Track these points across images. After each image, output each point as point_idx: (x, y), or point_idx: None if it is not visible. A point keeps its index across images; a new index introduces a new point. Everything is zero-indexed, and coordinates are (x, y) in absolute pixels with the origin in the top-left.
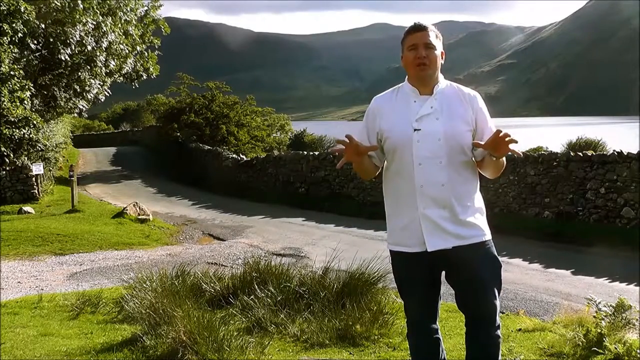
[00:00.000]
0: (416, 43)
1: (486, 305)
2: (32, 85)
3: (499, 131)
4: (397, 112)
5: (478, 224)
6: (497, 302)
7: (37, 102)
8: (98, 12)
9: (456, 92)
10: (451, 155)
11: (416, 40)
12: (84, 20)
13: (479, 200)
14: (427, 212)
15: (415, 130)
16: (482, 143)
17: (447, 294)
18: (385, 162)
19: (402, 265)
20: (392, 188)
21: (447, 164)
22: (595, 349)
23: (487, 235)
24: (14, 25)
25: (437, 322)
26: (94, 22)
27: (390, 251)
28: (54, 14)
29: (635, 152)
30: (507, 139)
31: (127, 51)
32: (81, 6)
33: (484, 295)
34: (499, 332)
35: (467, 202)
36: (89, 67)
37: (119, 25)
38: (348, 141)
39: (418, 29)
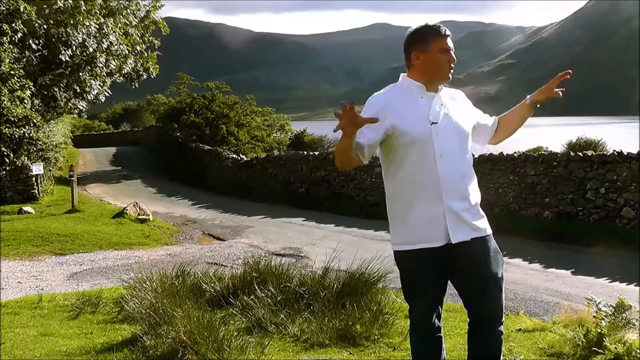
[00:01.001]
0: (448, 48)
1: (496, 301)
2: (32, 84)
3: (558, 77)
4: (408, 107)
5: (485, 217)
6: (503, 298)
7: (37, 102)
8: (99, 12)
9: (451, 92)
10: (463, 148)
11: (447, 45)
12: (87, 23)
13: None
14: (451, 205)
15: (432, 123)
16: (536, 95)
17: (447, 294)
18: (394, 159)
19: (417, 264)
20: (410, 183)
21: (463, 157)
22: (595, 349)
23: (491, 230)
24: (13, 25)
25: (441, 321)
26: (97, 25)
27: (403, 251)
28: (56, 15)
29: (635, 152)
30: (561, 79)
31: (127, 51)
32: (84, 7)
33: (494, 291)
34: (502, 328)
35: (477, 195)
36: (89, 68)
37: (119, 26)
38: (347, 108)
39: (446, 34)
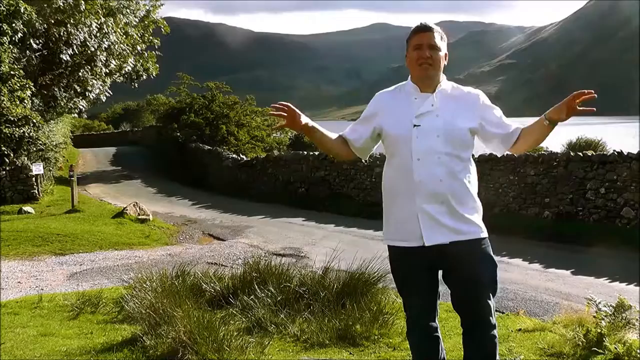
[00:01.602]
0: (421, 43)
1: (481, 307)
2: (32, 84)
3: (574, 95)
4: (398, 109)
5: (475, 220)
6: (492, 303)
7: (38, 102)
8: (100, 12)
9: (458, 91)
10: (450, 151)
11: (421, 40)
12: (88, 22)
13: (476, 198)
14: (425, 207)
15: (415, 126)
16: (554, 112)
17: (446, 293)
18: (386, 158)
19: (399, 260)
20: (391, 183)
21: (446, 160)
22: (595, 349)
23: (484, 233)
24: (13, 25)
25: (437, 321)
26: (98, 24)
27: (388, 246)
28: (56, 14)
29: (635, 152)
30: (580, 99)
31: (127, 51)
32: (83, 7)
33: (479, 296)
34: (495, 332)
35: (464, 198)
36: (89, 67)
37: (120, 25)
38: (285, 107)
39: (424, 29)
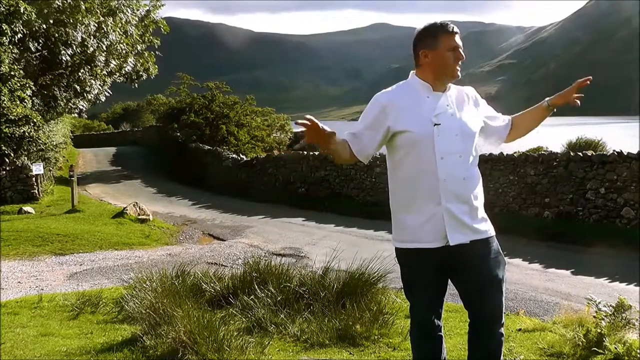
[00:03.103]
0: (457, 46)
1: (495, 303)
2: (32, 84)
3: (578, 83)
4: (411, 107)
5: (487, 219)
6: (504, 299)
7: (37, 102)
8: (99, 12)
9: (460, 91)
10: (466, 150)
11: (457, 43)
12: (87, 22)
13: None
14: (450, 207)
15: (435, 125)
16: (556, 98)
17: (447, 294)
18: (396, 158)
19: (415, 263)
20: (409, 183)
21: (465, 159)
22: (595, 349)
23: (493, 231)
24: (13, 26)
25: (441, 320)
26: (96, 24)
27: (402, 249)
28: (55, 14)
29: (635, 152)
30: (582, 85)
31: (127, 51)
32: (83, 7)
33: (494, 294)
34: (502, 330)
35: (479, 197)
36: (89, 67)
37: (120, 25)
38: (309, 122)
39: (455, 31)
